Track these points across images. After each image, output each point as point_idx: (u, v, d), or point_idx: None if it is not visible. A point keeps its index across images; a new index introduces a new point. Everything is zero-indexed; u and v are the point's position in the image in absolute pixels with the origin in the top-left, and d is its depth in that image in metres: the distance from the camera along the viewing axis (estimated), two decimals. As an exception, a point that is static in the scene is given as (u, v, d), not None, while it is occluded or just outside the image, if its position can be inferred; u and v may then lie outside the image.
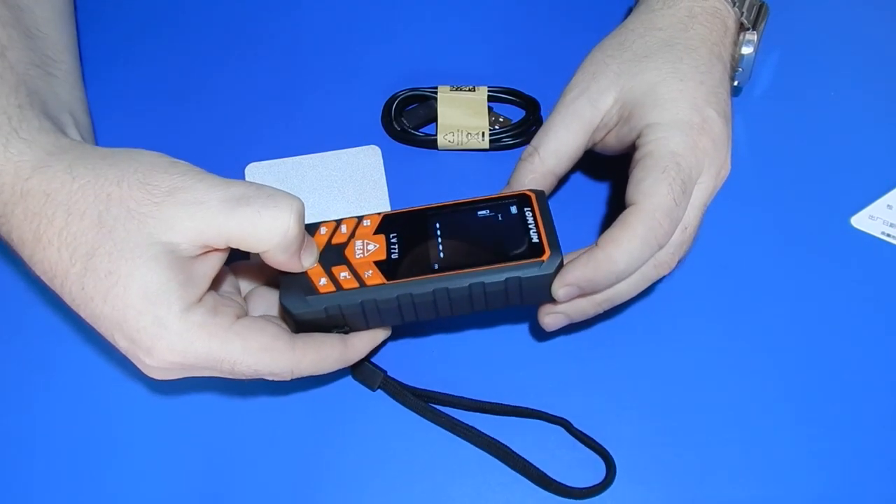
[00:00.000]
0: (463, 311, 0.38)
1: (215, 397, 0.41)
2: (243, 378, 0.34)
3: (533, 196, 0.39)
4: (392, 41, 0.53)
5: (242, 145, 0.48)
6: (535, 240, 0.37)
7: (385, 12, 0.54)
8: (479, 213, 0.38)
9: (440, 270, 0.36)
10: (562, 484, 0.37)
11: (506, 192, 0.40)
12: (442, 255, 0.37)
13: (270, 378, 0.35)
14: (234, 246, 0.33)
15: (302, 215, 0.34)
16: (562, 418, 0.39)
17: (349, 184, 0.46)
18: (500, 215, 0.38)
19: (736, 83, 0.45)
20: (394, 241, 0.38)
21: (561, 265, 0.36)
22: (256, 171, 0.47)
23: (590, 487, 0.37)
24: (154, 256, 0.32)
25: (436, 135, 0.48)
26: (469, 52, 0.52)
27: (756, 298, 0.42)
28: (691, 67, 0.39)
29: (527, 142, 0.48)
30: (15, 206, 0.33)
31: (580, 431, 0.39)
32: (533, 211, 0.38)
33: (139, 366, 0.33)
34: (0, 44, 0.38)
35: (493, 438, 0.38)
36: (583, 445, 0.39)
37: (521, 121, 0.48)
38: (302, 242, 0.35)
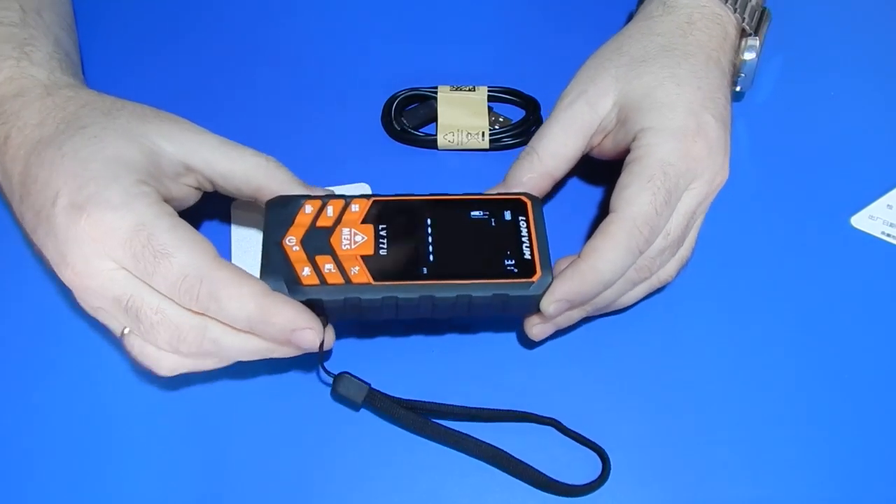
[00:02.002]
0: (446, 317, 0.37)
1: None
2: (149, 270, 0.32)
3: (529, 204, 0.38)
4: (392, 41, 0.53)
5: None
6: (527, 256, 0.36)
7: (385, 12, 0.54)
8: (473, 213, 0.38)
9: (428, 277, 0.35)
10: (561, 483, 0.37)
11: (502, 190, 0.40)
12: (431, 258, 0.36)
13: (177, 282, 0.32)
14: (218, 177, 0.37)
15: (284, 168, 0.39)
16: (551, 418, 0.39)
17: None
18: (493, 220, 0.38)
19: (738, 88, 0.45)
20: (382, 233, 0.37)
21: (550, 285, 0.36)
22: (241, 208, 0.45)
23: (588, 483, 0.37)
24: (140, 147, 0.35)
25: (436, 135, 0.48)
26: (469, 52, 0.52)
27: (756, 298, 0.42)
28: (689, 72, 0.39)
29: (527, 142, 0.47)
30: (33, 98, 0.37)
31: (571, 430, 0.38)
32: (527, 220, 0.38)
33: (67, 232, 0.33)
34: (38, 4, 0.42)
35: (487, 444, 0.37)
36: (574, 445, 0.38)
37: (521, 121, 0.48)
38: (297, 181, 0.39)
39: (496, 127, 0.48)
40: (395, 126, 0.48)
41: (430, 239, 0.37)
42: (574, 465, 0.38)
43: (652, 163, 0.36)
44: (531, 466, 0.37)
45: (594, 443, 0.38)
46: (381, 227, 0.37)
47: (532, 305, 0.37)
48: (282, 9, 0.54)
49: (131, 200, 0.33)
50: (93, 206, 0.33)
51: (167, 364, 0.35)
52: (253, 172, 0.38)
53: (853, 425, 0.39)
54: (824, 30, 0.53)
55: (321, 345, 0.35)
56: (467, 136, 0.47)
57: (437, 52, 0.52)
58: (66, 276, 0.34)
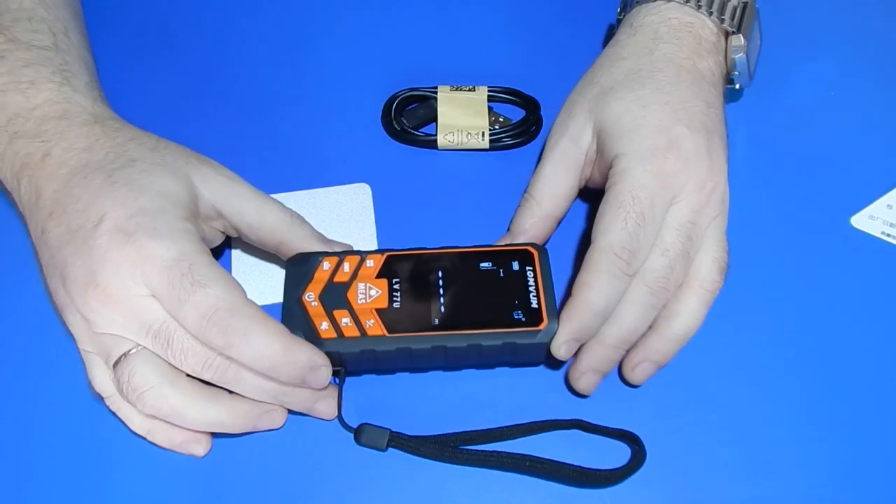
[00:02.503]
0: (458, 364, 0.39)
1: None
2: (182, 297, 0.33)
3: (535, 254, 0.40)
4: (392, 41, 0.53)
5: (237, 153, 0.48)
6: (534, 305, 0.38)
7: (385, 12, 0.54)
8: (482, 265, 0.40)
9: (440, 328, 0.37)
10: (602, 470, 0.36)
11: (508, 240, 0.42)
12: (443, 310, 0.38)
13: (208, 313, 0.33)
14: (244, 227, 0.39)
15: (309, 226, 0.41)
16: (576, 420, 0.38)
17: (337, 221, 0.45)
18: (501, 271, 0.39)
19: (737, 86, 0.45)
20: (396, 287, 0.39)
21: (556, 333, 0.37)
22: None
23: (626, 465, 0.36)
24: (185, 186, 0.37)
25: (436, 135, 0.48)
26: (469, 52, 0.52)
27: (756, 298, 0.42)
28: (654, 90, 0.40)
29: (527, 142, 0.48)
30: (80, 123, 0.38)
31: (598, 425, 0.38)
32: (534, 270, 0.39)
33: (107, 254, 0.34)
34: (64, 24, 0.43)
35: (517, 454, 0.37)
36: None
37: (520, 121, 0.48)
38: (318, 237, 0.40)
39: (496, 127, 0.48)
40: (395, 126, 0.48)
41: (441, 291, 0.39)
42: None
43: (623, 189, 0.37)
44: (567, 463, 0.37)
45: (624, 430, 0.38)
46: (394, 280, 0.39)
47: (540, 352, 0.38)
48: (282, 9, 0.54)
49: (177, 234, 0.35)
50: (140, 233, 0.34)
51: (152, 398, 0.35)
52: (278, 227, 0.39)
53: (853, 425, 0.39)
54: (824, 30, 0.53)
55: (338, 410, 0.38)
56: (467, 136, 0.47)
57: (437, 52, 0.52)
58: (90, 295, 0.34)
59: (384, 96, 0.49)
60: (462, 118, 0.48)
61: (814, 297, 0.42)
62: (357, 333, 0.37)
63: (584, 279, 0.37)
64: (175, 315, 0.34)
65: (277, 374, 0.35)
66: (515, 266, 0.40)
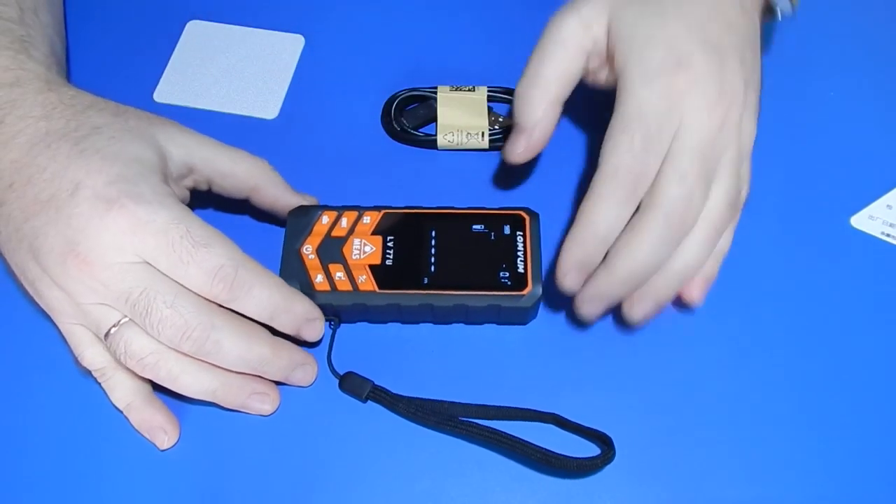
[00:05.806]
0: (445, 320, 0.41)
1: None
2: (185, 259, 0.34)
3: (527, 219, 0.41)
4: (392, 41, 0.53)
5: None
6: (521, 270, 0.39)
7: (385, 12, 0.54)
8: (474, 227, 0.41)
9: (429, 287, 0.39)
10: (566, 456, 0.36)
11: (522, 139, 0.40)
12: (433, 269, 0.40)
13: (213, 270, 0.34)
14: (218, 176, 0.40)
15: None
16: (552, 414, 0.39)
17: (261, 66, 0.50)
18: (492, 234, 0.41)
19: (780, 16, 0.43)
20: (390, 244, 0.40)
21: (540, 299, 0.39)
22: (195, 28, 0.52)
23: (592, 458, 0.36)
24: (155, 149, 0.37)
25: (435, 135, 0.48)
26: (469, 52, 0.52)
27: (755, 298, 0.42)
28: (674, 3, 0.37)
29: (527, 142, 0.48)
30: (34, 90, 0.37)
31: (573, 422, 0.38)
32: (524, 235, 0.40)
33: (89, 222, 0.34)
34: (34, 3, 0.43)
35: (490, 428, 0.37)
36: (575, 442, 0.38)
37: (520, 121, 0.48)
38: (286, 184, 0.42)
39: (496, 127, 0.48)
40: (395, 126, 0.48)
41: (432, 251, 0.40)
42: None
43: (628, 110, 0.35)
44: (534, 444, 0.37)
45: (597, 430, 0.38)
46: (389, 238, 0.41)
47: (524, 315, 0.40)
48: (281, 8, 0.54)
49: (163, 198, 0.35)
50: (126, 199, 0.34)
51: (152, 363, 0.35)
52: (252, 172, 0.40)
53: (853, 425, 0.39)
54: (824, 29, 0.53)
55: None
56: (467, 136, 0.47)
57: (437, 52, 0.52)
58: (70, 265, 0.34)
59: (384, 96, 0.49)
60: (462, 118, 0.48)
61: (813, 297, 0.42)
62: (349, 288, 0.39)
63: (587, 205, 0.35)
64: (178, 277, 0.34)
65: (277, 322, 0.37)
66: (507, 230, 0.41)
